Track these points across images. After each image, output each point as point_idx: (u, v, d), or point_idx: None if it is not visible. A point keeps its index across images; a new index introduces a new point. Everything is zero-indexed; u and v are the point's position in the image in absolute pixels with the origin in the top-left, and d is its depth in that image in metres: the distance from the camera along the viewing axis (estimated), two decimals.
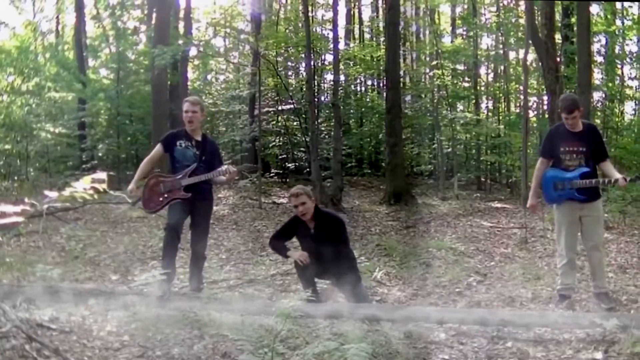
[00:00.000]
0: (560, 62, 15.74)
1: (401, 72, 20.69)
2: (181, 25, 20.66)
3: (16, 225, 8.52)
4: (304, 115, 20.46)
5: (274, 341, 3.75)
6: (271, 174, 19.74)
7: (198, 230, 6.04)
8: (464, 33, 24.43)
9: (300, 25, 22.39)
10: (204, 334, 4.39)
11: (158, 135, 9.84)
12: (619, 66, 19.66)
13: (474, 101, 23.40)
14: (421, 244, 10.00)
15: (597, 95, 19.06)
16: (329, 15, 22.77)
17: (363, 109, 24.94)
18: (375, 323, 4.88)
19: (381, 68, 22.37)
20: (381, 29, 24.95)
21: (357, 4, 28.40)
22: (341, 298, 5.97)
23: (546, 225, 10.68)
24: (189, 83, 22.07)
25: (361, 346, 3.63)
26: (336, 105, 16.21)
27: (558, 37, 16.71)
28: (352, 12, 28.36)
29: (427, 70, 25.51)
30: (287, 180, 20.17)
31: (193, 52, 21.07)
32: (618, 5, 18.87)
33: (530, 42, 14.21)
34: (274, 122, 22.36)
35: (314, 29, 21.57)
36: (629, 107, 21.43)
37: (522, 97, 17.66)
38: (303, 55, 20.69)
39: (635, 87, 20.40)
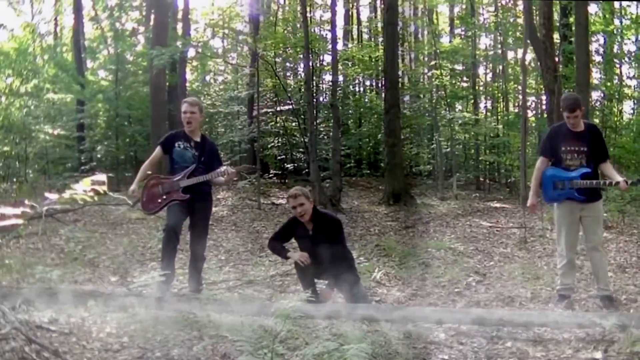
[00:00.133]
0: (558, 61, 15.74)
1: (400, 73, 20.68)
2: (179, 26, 20.68)
3: (16, 227, 8.51)
4: (302, 116, 20.46)
5: (274, 342, 3.75)
6: (270, 175, 19.75)
7: (197, 231, 6.04)
8: (463, 33, 24.46)
9: (298, 25, 22.38)
10: (203, 335, 4.38)
11: (157, 137, 9.86)
12: (618, 65, 19.68)
13: (472, 101, 23.45)
14: (420, 244, 10.00)
15: (595, 95, 19.08)
16: (327, 15, 22.83)
17: (362, 110, 24.96)
18: (375, 323, 4.88)
19: (379, 68, 22.41)
20: (379, 29, 24.99)
21: (355, 4, 28.43)
22: (340, 298, 5.98)
23: (545, 225, 10.69)
24: (187, 84, 22.09)
25: (361, 347, 3.63)
26: (335, 106, 16.22)
27: (556, 36, 16.72)
28: (350, 13, 28.39)
29: (426, 71, 25.57)
30: (286, 181, 20.18)
31: (191, 53, 21.13)
32: (616, 4, 18.89)
33: (528, 41, 14.21)
34: (273, 123, 22.37)
35: (312, 30, 21.58)
36: (627, 106, 21.43)
37: (520, 96, 17.62)
38: (301, 56, 20.70)
39: (634, 86, 20.40)
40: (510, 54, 22.94)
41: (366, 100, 26.30)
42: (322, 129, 21.89)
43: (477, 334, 4.80)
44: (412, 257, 8.82)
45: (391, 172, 15.38)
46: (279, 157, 22.33)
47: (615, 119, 19.77)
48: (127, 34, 21.48)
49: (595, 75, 19.17)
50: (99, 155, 21.04)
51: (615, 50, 19.55)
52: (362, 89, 28.31)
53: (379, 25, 25.16)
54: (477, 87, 23.87)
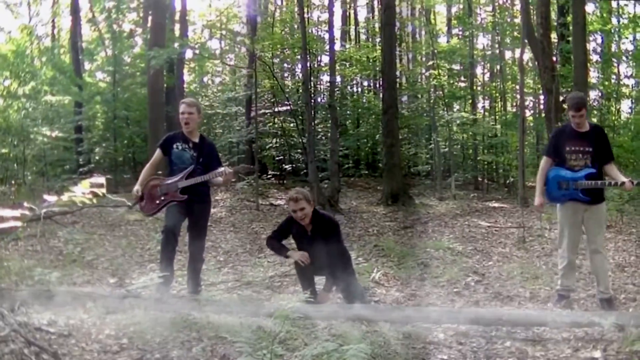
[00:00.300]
0: (556, 61, 15.77)
1: (397, 73, 20.75)
2: (177, 27, 20.68)
3: (14, 230, 8.51)
4: (300, 117, 20.46)
5: (273, 343, 3.75)
6: (268, 176, 19.75)
7: (196, 232, 6.03)
8: (460, 33, 24.51)
9: (296, 26, 22.38)
10: (202, 336, 4.38)
11: (155, 138, 9.86)
12: (615, 65, 19.71)
13: (470, 101, 23.45)
14: (419, 244, 10.00)
15: (593, 94, 19.10)
16: (325, 16, 22.91)
17: (360, 110, 24.95)
18: (374, 324, 4.88)
19: (377, 69, 22.41)
20: (377, 29, 25.04)
21: (352, 5, 28.47)
22: (339, 299, 5.98)
23: (543, 224, 10.70)
24: (185, 86, 22.09)
25: (360, 347, 3.63)
26: (333, 107, 16.22)
27: (554, 36, 16.75)
28: (347, 13, 28.43)
29: (424, 71, 25.62)
30: (285, 182, 20.18)
31: (189, 54, 21.13)
32: (614, 3, 18.92)
33: (526, 41, 14.24)
34: (271, 124, 22.36)
35: (309, 31, 21.61)
36: (625, 105, 21.49)
37: (518, 96, 17.65)
38: (299, 57, 20.69)
39: (632, 85, 20.43)
40: (508, 54, 23.01)
41: (364, 100, 26.31)
42: (320, 130, 21.90)
43: (476, 334, 4.80)
44: (410, 258, 8.81)
45: (389, 173, 15.38)
46: (277, 158, 22.32)
47: (613, 118, 19.81)
48: (125, 35, 21.49)
49: (593, 75, 19.20)
50: (97, 157, 21.04)
51: (612, 49, 19.58)
52: (359, 89, 28.33)
53: (377, 25, 25.20)
54: (474, 87, 23.90)
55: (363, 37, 28.90)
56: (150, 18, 17.79)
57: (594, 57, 19.35)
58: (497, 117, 22.91)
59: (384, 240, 10.40)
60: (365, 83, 28.35)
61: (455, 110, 23.12)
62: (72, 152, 20.35)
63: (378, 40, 23.96)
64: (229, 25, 25.22)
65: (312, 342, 4.16)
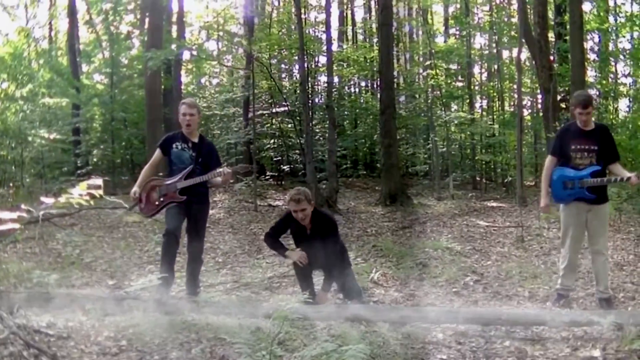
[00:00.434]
0: (553, 60, 15.79)
1: (395, 73, 20.74)
2: (174, 29, 20.67)
3: (13, 232, 8.50)
4: (298, 118, 20.47)
5: (272, 344, 3.75)
6: (266, 177, 19.74)
7: (194, 233, 6.03)
8: (457, 33, 24.49)
9: (293, 27, 22.41)
10: (201, 337, 4.38)
11: (152, 140, 9.86)
12: (613, 63, 19.70)
13: (468, 101, 23.47)
14: (417, 244, 9.99)
15: (590, 93, 19.05)
16: (322, 17, 22.86)
17: (357, 110, 24.97)
18: (373, 324, 4.88)
19: (375, 69, 22.44)
20: (374, 30, 25.04)
21: (349, 5, 28.46)
22: (338, 299, 5.98)
23: (542, 223, 10.70)
24: (182, 87, 22.06)
25: (359, 347, 3.64)
26: (330, 107, 16.21)
27: (551, 35, 16.78)
28: (344, 14, 28.42)
29: (421, 71, 25.62)
30: (283, 182, 20.19)
31: (186, 55, 21.08)
32: (611, 2, 18.94)
33: (523, 40, 14.27)
34: (269, 125, 22.35)
35: (307, 31, 21.59)
36: (623, 104, 21.46)
37: (516, 95, 17.69)
38: (296, 58, 20.68)
39: (629, 84, 20.43)
40: (505, 53, 23.03)
41: (362, 101, 26.33)
42: (317, 130, 21.90)
43: (475, 334, 4.81)
44: (409, 258, 8.80)
45: (387, 173, 15.37)
46: (275, 159, 22.31)
47: (611, 117, 19.79)
48: (122, 37, 21.47)
49: (591, 74, 19.16)
50: (95, 159, 21.00)
51: (610, 48, 19.58)
52: (357, 89, 28.35)
53: (374, 26, 25.19)
54: (472, 87, 23.87)
55: (360, 37, 28.91)
56: (147, 20, 17.78)
57: (592, 56, 19.34)
58: (494, 116, 22.92)
59: (383, 241, 10.39)
60: (363, 83, 28.37)
61: (452, 110, 23.15)
62: (70, 154, 20.35)
63: (375, 40, 23.98)
64: (226, 26, 25.24)
65: (311, 343, 4.16)
